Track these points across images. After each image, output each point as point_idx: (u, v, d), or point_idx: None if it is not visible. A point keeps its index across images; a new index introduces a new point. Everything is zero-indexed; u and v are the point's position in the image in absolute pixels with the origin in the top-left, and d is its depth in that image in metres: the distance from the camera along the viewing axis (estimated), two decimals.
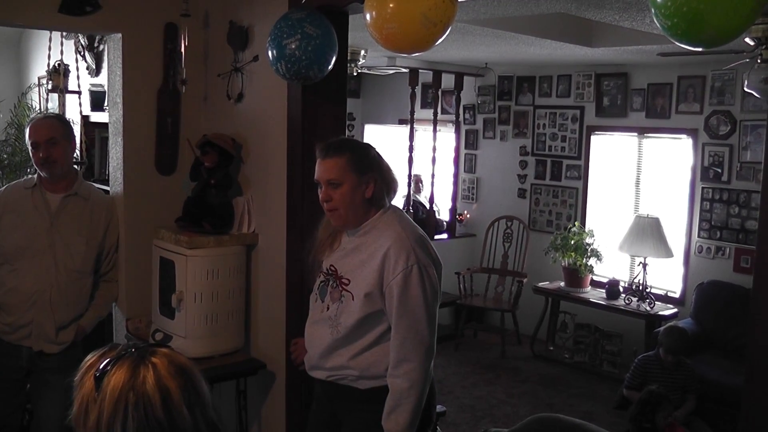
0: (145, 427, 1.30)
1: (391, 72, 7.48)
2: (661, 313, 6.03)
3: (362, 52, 5.87)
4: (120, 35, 3.58)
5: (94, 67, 5.12)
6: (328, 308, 2.55)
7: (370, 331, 2.48)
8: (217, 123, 3.70)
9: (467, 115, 8.06)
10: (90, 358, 1.39)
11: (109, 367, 1.34)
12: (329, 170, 2.47)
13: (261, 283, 3.53)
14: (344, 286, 2.51)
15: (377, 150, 2.57)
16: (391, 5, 2.24)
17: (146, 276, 3.60)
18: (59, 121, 3.40)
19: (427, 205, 7.49)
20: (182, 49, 3.57)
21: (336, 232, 2.62)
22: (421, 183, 7.73)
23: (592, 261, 6.63)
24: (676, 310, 6.16)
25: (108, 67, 3.81)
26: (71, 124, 3.54)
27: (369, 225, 2.51)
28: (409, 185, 7.17)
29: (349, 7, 2.98)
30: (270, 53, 2.86)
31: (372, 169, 2.49)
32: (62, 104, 5.24)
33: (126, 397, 1.30)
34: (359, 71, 6.38)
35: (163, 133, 3.71)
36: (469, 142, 8.10)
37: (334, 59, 2.88)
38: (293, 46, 2.77)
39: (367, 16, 2.33)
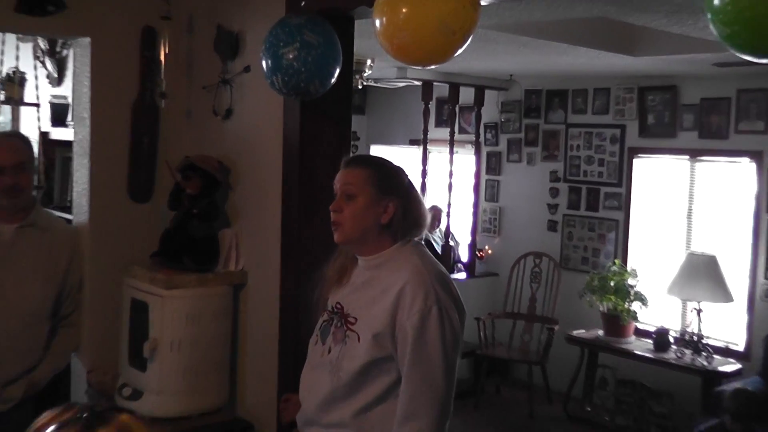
0: None
1: (402, 85, 7.54)
2: (720, 368, 5.95)
3: (368, 62, 5.89)
4: (88, 40, 3.62)
5: (55, 75, 5.15)
6: (329, 351, 2.52)
7: (375, 382, 2.45)
8: (201, 143, 3.73)
9: (489, 135, 8.11)
10: (39, 421, 1.38)
11: None
12: (347, 179, 2.49)
13: (250, 330, 3.54)
14: (350, 325, 2.49)
15: (410, 177, 2.58)
16: (404, 10, 2.27)
17: (114, 320, 3.60)
18: (23, 142, 3.40)
19: (441, 242, 7.48)
20: (162, 57, 3.62)
21: (345, 266, 2.61)
22: (438, 219, 7.55)
23: (635, 306, 6.60)
24: (739, 366, 6.08)
25: (73, 76, 3.85)
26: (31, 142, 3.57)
27: (384, 257, 2.51)
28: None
29: (355, 12, 3.02)
30: (264, 64, 2.89)
31: (396, 193, 2.49)
32: (16, 118, 5.26)
33: None
34: (365, 84, 6.42)
35: (138, 153, 3.74)
36: (490, 166, 8.13)
37: (337, 71, 2.91)
38: (291, 56, 2.79)
39: (377, 23, 2.35)
